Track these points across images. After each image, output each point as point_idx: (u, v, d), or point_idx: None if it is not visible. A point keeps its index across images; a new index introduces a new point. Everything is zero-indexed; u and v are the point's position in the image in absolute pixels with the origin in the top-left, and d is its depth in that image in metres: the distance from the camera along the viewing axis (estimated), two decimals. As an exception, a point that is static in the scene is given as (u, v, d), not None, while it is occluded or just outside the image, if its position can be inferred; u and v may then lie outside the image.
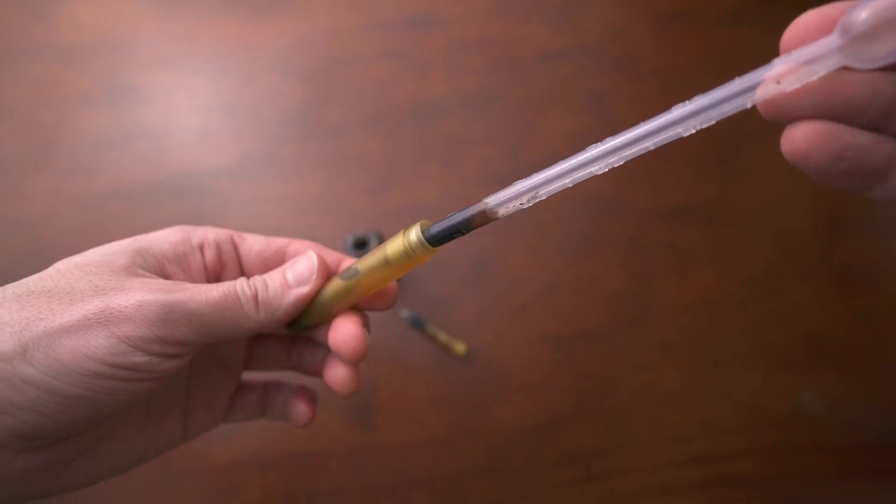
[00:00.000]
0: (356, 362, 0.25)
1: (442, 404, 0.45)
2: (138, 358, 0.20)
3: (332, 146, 0.51)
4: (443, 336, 0.45)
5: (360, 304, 0.25)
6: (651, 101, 0.52)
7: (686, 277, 0.48)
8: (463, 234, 0.20)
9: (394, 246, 0.21)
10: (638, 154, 0.17)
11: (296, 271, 0.24)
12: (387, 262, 0.22)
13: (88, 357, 0.19)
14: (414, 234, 0.21)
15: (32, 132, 0.51)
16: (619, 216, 0.49)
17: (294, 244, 0.26)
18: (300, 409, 0.29)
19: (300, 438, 0.44)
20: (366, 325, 0.25)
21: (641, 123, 0.16)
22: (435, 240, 0.21)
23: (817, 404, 0.45)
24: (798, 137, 0.15)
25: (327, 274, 0.25)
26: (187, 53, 0.54)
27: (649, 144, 0.16)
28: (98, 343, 0.19)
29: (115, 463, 0.24)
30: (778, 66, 0.14)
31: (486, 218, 0.20)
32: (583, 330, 0.46)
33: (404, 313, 0.46)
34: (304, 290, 0.24)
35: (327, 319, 0.25)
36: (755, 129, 0.50)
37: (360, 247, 0.42)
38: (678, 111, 0.16)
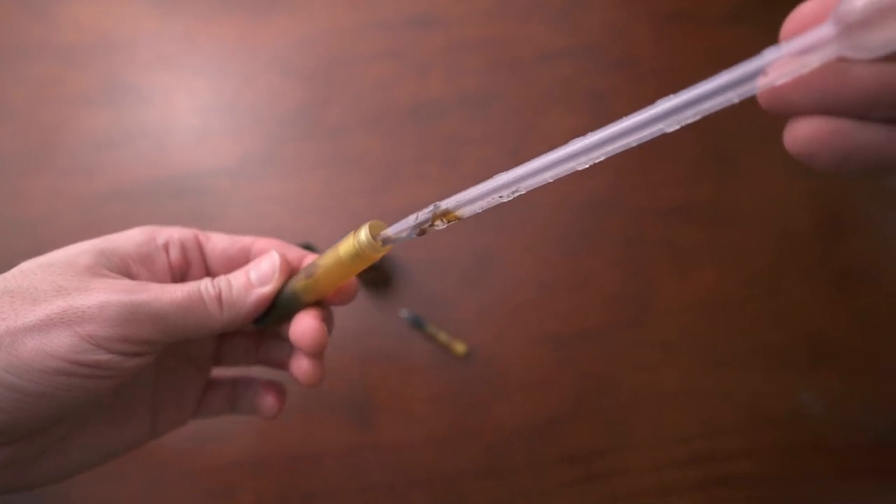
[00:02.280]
0: (315, 354, 0.26)
1: (442, 404, 0.45)
2: (101, 356, 0.20)
3: (332, 146, 0.51)
4: (442, 336, 0.45)
5: (322, 300, 0.26)
6: (651, 101, 0.52)
7: (686, 277, 0.48)
8: (418, 236, 0.21)
9: (345, 246, 0.22)
10: (620, 150, 0.16)
11: (259, 271, 0.25)
12: (340, 262, 0.23)
13: (51, 355, 0.19)
14: (363, 234, 0.22)
15: (32, 132, 0.51)
16: (618, 215, 0.49)
17: (259, 242, 0.27)
18: (268, 401, 0.29)
19: (296, 439, 0.44)
20: (325, 318, 0.26)
21: (623, 119, 0.16)
22: (385, 240, 0.21)
23: (817, 404, 0.45)
24: (801, 135, 0.14)
25: (290, 272, 0.25)
26: (187, 53, 0.54)
27: (632, 140, 0.16)
28: (60, 342, 0.19)
29: (84, 458, 0.24)
30: (768, 57, 0.14)
31: (446, 217, 0.20)
32: (582, 329, 0.46)
33: (404, 313, 0.46)
34: (267, 289, 0.24)
35: (291, 315, 0.26)
36: (755, 127, 0.50)
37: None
38: (662, 106, 0.15)
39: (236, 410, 0.30)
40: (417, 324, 0.45)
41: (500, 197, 0.18)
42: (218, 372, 0.31)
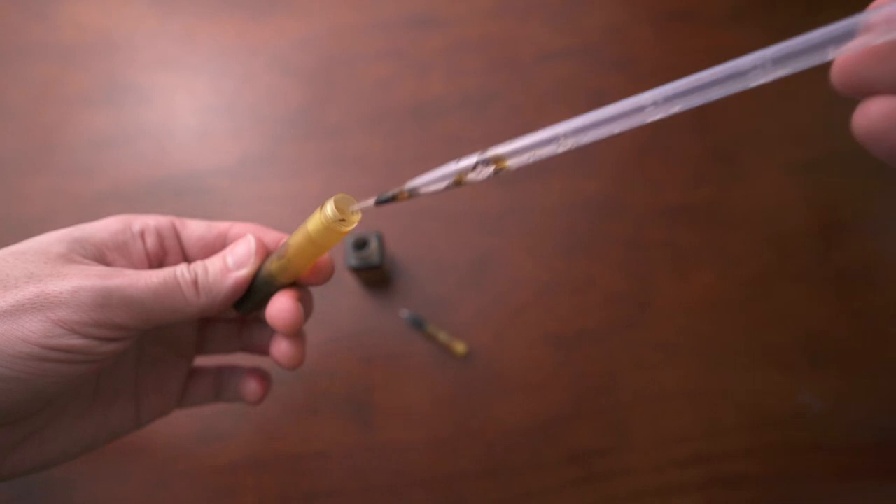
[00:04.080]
0: (291, 334, 0.26)
1: (442, 404, 0.45)
2: (74, 341, 0.20)
3: (332, 146, 0.51)
4: (443, 336, 0.45)
5: (299, 280, 0.26)
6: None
7: (685, 278, 0.48)
8: (454, 185, 0.19)
9: (313, 222, 0.22)
10: (696, 105, 0.15)
11: (235, 255, 0.25)
12: (310, 239, 0.23)
13: (22, 340, 0.19)
14: (329, 208, 0.22)
15: (32, 132, 0.51)
16: (617, 217, 0.49)
17: (236, 227, 0.27)
18: (251, 386, 0.29)
19: (297, 439, 0.44)
20: (302, 299, 0.26)
21: (709, 70, 0.15)
22: (412, 192, 0.21)
23: (817, 404, 0.45)
24: (874, 114, 0.14)
25: (266, 255, 0.26)
26: (187, 53, 0.54)
27: (712, 95, 0.15)
28: (32, 327, 0.19)
29: (65, 447, 0.24)
30: (865, 18, 0.13)
31: (496, 164, 0.18)
32: (582, 330, 0.46)
33: (404, 313, 0.46)
34: (243, 272, 0.24)
35: (269, 298, 0.26)
36: (755, 129, 0.50)
37: (361, 247, 0.42)
38: (753, 57, 0.14)
39: (221, 398, 0.30)
40: (417, 324, 0.45)
41: (557, 147, 0.17)
42: (202, 360, 0.31)
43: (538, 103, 0.52)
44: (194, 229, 0.27)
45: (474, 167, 0.18)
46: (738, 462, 0.43)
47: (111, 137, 0.51)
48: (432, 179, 0.19)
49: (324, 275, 0.27)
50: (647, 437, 0.44)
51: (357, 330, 0.46)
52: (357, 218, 0.23)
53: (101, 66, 0.53)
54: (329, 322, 0.46)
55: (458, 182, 0.18)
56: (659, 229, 0.49)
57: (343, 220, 0.22)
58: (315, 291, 0.47)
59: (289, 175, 0.50)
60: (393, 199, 0.20)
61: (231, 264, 0.24)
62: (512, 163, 0.18)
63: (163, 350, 0.28)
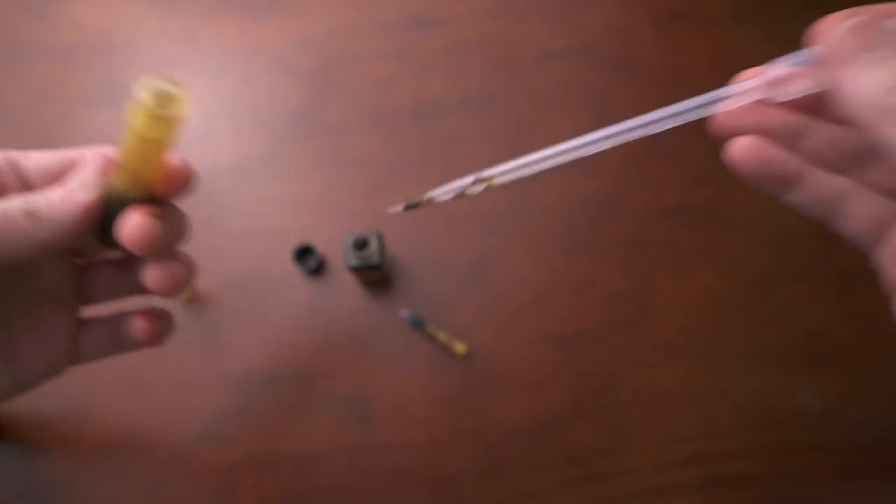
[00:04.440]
0: (149, 253, 0.23)
1: (442, 404, 0.45)
2: None
3: (332, 146, 0.51)
4: (443, 336, 0.45)
5: (158, 195, 0.24)
6: (651, 101, 0.52)
7: (685, 278, 0.48)
8: (458, 198, 0.25)
9: (134, 116, 0.20)
10: (618, 144, 0.22)
11: (78, 177, 0.23)
12: (140, 137, 0.21)
13: None
14: (142, 94, 0.20)
15: (32, 132, 0.51)
16: (617, 217, 0.49)
17: (83, 151, 0.25)
18: (138, 325, 0.27)
19: (297, 439, 0.44)
20: (161, 214, 0.23)
21: (620, 122, 0.22)
22: (430, 201, 0.24)
23: (817, 404, 0.45)
24: (733, 148, 0.21)
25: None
26: (187, 53, 0.54)
27: (625, 139, 0.22)
28: None
29: None
30: (724, 91, 0.21)
31: (486, 183, 0.24)
32: (582, 330, 0.46)
33: (404, 313, 0.46)
34: (89, 194, 0.22)
35: None
36: (755, 129, 0.50)
37: (361, 247, 0.42)
38: (659, 112, 0.21)
39: (121, 348, 0.28)
40: (417, 324, 0.45)
41: (534, 169, 0.23)
42: (95, 311, 0.28)
43: (538, 103, 0.52)
44: (37, 160, 0.24)
45: (473, 183, 0.24)
46: (738, 462, 0.43)
47: (111, 137, 0.51)
48: (444, 192, 0.24)
49: (179, 180, 0.24)
50: (647, 437, 0.44)
51: (357, 330, 0.46)
52: (183, 97, 0.20)
53: (101, 66, 0.53)
54: (329, 322, 0.46)
55: (461, 195, 0.24)
56: (659, 229, 0.49)
57: (165, 104, 0.20)
58: (315, 291, 0.47)
59: (289, 175, 0.50)
60: (417, 205, 0.25)
61: (76, 187, 0.22)
62: (497, 181, 0.23)
63: (37, 303, 0.25)
